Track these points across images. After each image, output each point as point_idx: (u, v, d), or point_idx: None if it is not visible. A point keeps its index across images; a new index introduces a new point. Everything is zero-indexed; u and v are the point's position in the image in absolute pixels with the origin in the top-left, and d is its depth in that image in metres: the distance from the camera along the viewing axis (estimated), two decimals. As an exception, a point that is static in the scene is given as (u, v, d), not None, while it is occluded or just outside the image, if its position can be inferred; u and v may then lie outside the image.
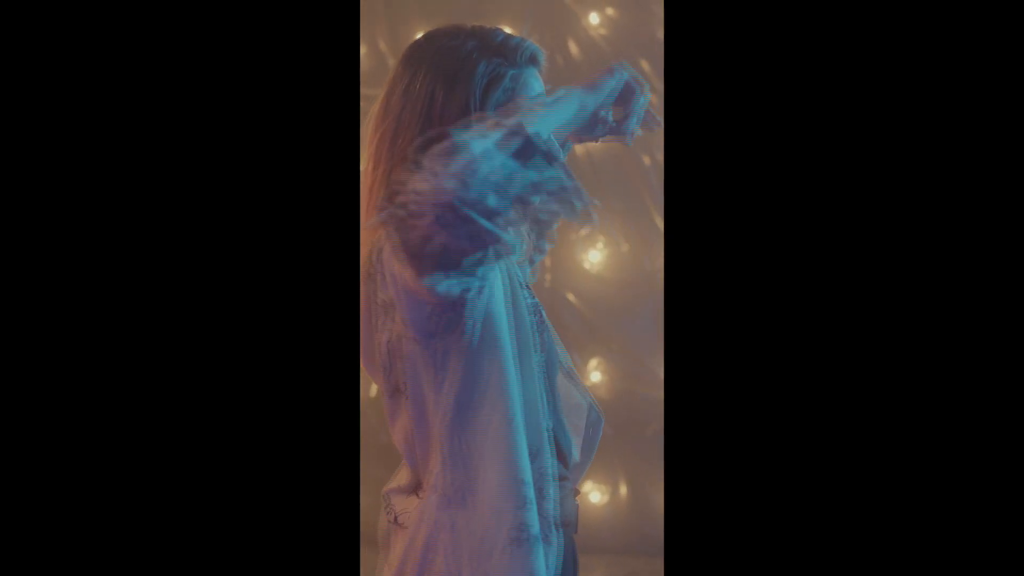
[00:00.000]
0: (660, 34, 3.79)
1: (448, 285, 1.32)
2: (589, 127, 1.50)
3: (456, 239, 1.27)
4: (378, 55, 3.92)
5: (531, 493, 1.38)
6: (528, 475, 1.39)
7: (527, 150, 1.30)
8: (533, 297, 1.49)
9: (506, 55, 1.49)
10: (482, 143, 1.27)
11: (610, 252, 3.87)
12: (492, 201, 1.27)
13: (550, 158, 1.31)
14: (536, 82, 1.52)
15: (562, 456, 1.52)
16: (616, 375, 3.85)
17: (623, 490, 3.83)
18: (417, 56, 1.50)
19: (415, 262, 1.29)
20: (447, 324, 1.38)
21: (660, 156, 3.75)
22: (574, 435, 1.57)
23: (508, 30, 1.58)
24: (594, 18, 3.90)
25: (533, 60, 1.51)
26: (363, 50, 3.89)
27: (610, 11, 3.91)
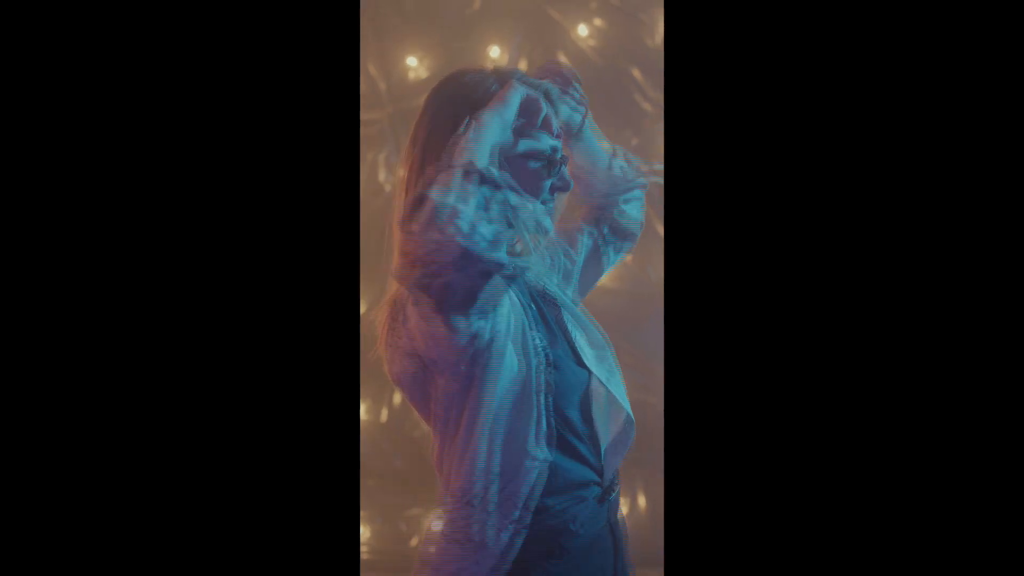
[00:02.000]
0: (650, 42, 3.79)
1: (471, 323, 1.47)
2: (510, 144, 1.59)
3: (471, 279, 1.42)
4: (369, 80, 3.92)
5: (478, 513, 1.51)
6: (485, 499, 1.52)
7: (484, 181, 1.44)
8: (544, 341, 1.60)
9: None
10: (453, 192, 1.41)
11: (613, 263, 3.86)
12: (485, 231, 1.41)
13: (495, 184, 1.45)
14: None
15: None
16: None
17: (641, 502, 3.81)
18: (444, 91, 1.64)
19: (441, 311, 1.44)
20: (472, 358, 1.52)
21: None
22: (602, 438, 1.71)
23: (522, 68, 1.64)
24: (583, 30, 3.90)
25: (547, 96, 1.67)
26: (353, 75, 3.88)
27: (598, 22, 3.90)
